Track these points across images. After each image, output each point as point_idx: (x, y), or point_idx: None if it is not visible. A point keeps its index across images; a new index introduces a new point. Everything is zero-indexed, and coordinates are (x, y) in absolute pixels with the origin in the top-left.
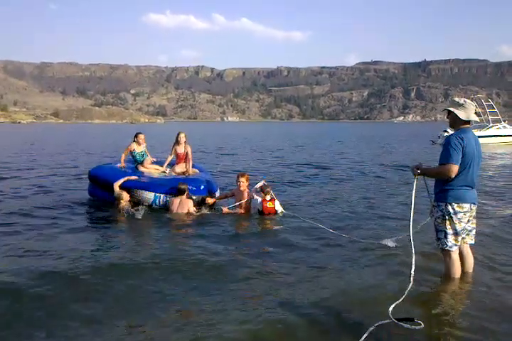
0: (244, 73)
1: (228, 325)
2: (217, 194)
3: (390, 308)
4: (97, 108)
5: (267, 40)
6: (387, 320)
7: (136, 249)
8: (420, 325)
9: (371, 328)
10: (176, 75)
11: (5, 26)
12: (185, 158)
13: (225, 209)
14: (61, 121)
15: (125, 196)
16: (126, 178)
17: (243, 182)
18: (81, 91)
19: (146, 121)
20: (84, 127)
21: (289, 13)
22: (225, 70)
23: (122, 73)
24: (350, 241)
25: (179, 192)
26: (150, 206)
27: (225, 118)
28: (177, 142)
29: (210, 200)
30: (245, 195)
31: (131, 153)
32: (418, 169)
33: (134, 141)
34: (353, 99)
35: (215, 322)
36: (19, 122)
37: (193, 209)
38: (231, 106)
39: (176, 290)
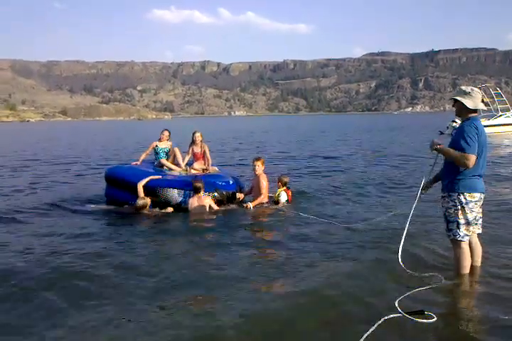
0: (250, 67)
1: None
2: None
3: (396, 302)
4: (104, 105)
5: (272, 34)
6: (396, 314)
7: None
8: (433, 317)
9: (378, 323)
10: (183, 71)
11: (11, 25)
12: (202, 157)
13: (249, 205)
14: (69, 119)
15: (148, 203)
16: (149, 178)
17: (258, 166)
18: (88, 88)
19: (154, 117)
20: (93, 124)
21: (294, 6)
22: (231, 65)
23: (129, 70)
24: (354, 234)
25: (195, 191)
26: (179, 205)
27: (232, 113)
28: (193, 142)
29: (240, 195)
30: (261, 179)
31: (154, 149)
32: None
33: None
34: (361, 90)
35: (219, 311)
36: (28, 121)
37: (214, 206)
38: (238, 100)
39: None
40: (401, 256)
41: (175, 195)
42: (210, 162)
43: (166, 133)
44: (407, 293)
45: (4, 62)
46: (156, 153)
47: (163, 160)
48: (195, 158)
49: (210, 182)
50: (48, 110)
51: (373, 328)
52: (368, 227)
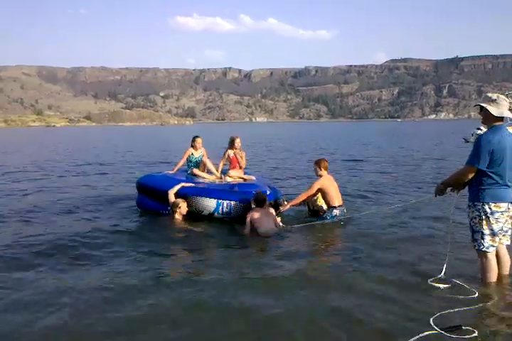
0: (271, 73)
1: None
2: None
3: (432, 319)
4: (127, 111)
5: (294, 40)
6: (432, 331)
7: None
8: (474, 332)
9: (411, 340)
10: (205, 77)
11: (38, 33)
12: (239, 163)
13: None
14: (94, 124)
15: (183, 206)
16: (181, 185)
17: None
18: (112, 94)
19: (176, 122)
20: (118, 129)
21: (316, 12)
22: (252, 71)
23: (152, 76)
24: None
25: (260, 204)
26: (211, 215)
27: (253, 119)
28: (232, 147)
29: (284, 207)
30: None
31: (189, 158)
32: (444, 186)
33: (192, 145)
34: (383, 97)
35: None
36: (53, 126)
37: (278, 220)
38: (259, 106)
39: None
40: (444, 272)
41: (208, 204)
42: (244, 166)
43: (199, 140)
44: (447, 311)
45: (32, 69)
46: (190, 161)
47: (196, 170)
48: (231, 164)
49: (246, 192)
50: (73, 115)
51: None
52: (405, 236)
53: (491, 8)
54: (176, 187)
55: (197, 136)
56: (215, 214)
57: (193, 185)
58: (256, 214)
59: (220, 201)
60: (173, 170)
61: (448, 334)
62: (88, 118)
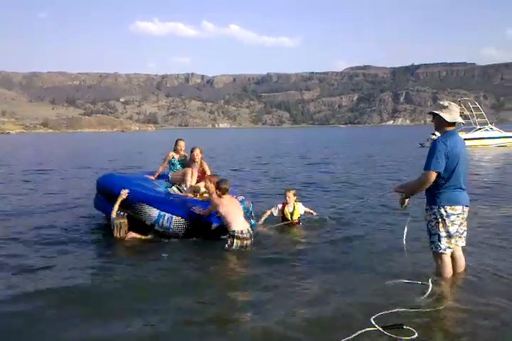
0: (234, 80)
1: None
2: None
3: (373, 316)
4: (86, 117)
5: (256, 47)
6: (371, 328)
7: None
8: (414, 333)
9: (349, 337)
10: (167, 83)
11: None
12: (202, 177)
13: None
14: (51, 130)
15: (123, 225)
16: (120, 200)
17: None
18: (70, 100)
19: (137, 129)
20: (78, 136)
21: (279, 19)
22: (215, 77)
23: (112, 82)
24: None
25: (224, 191)
26: (152, 227)
27: (216, 125)
28: (192, 160)
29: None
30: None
31: (170, 161)
32: (403, 192)
33: (174, 149)
34: (343, 103)
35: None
36: (8, 133)
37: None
38: (222, 112)
39: None
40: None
41: (150, 213)
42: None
43: (183, 143)
44: (395, 309)
45: None
46: (173, 164)
47: (174, 175)
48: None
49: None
50: (28, 122)
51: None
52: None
53: (446, 19)
54: (116, 207)
55: (180, 139)
56: (156, 225)
57: (128, 191)
58: (226, 206)
59: (162, 213)
60: (155, 175)
61: (387, 333)
62: (45, 124)
